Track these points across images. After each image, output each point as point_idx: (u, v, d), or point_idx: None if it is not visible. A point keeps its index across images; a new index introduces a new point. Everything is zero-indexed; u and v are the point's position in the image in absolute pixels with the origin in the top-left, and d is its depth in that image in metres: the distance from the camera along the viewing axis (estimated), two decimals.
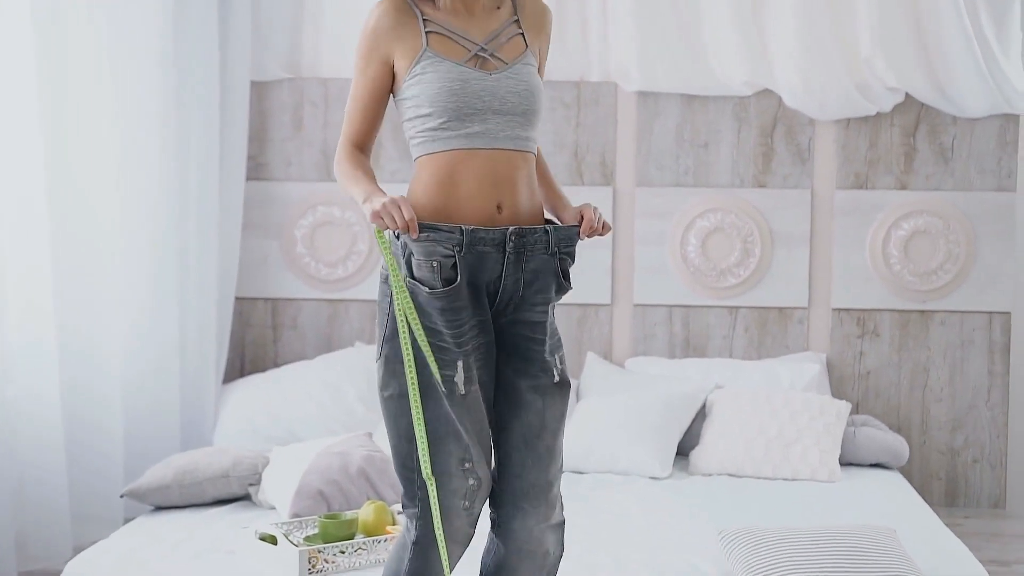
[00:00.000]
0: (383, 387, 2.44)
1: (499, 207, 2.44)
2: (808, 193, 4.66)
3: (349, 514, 3.31)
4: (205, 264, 4.52)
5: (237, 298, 4.83)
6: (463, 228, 2.38)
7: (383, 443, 4.05)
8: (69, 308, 3.90)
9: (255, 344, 4.88)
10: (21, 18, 3.63)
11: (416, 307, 2.38)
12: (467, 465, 2.43)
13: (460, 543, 2.48)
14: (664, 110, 4.71)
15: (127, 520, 4.05)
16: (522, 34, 2.54)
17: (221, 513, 3.61)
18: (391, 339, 2.42)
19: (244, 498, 3.75)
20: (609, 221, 4.68)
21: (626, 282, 4.76)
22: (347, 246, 4.81)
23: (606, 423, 4.22)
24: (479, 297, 2.43)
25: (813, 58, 4.53)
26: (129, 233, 4.18)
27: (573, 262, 2.52)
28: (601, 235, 2.51)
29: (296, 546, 3.09)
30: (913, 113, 4.63)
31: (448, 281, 2.38)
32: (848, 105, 4.58)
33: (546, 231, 2.45)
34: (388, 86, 2.52)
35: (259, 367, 4.87)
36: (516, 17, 2.55)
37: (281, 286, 4.85)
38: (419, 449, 2.35)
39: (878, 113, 4.62)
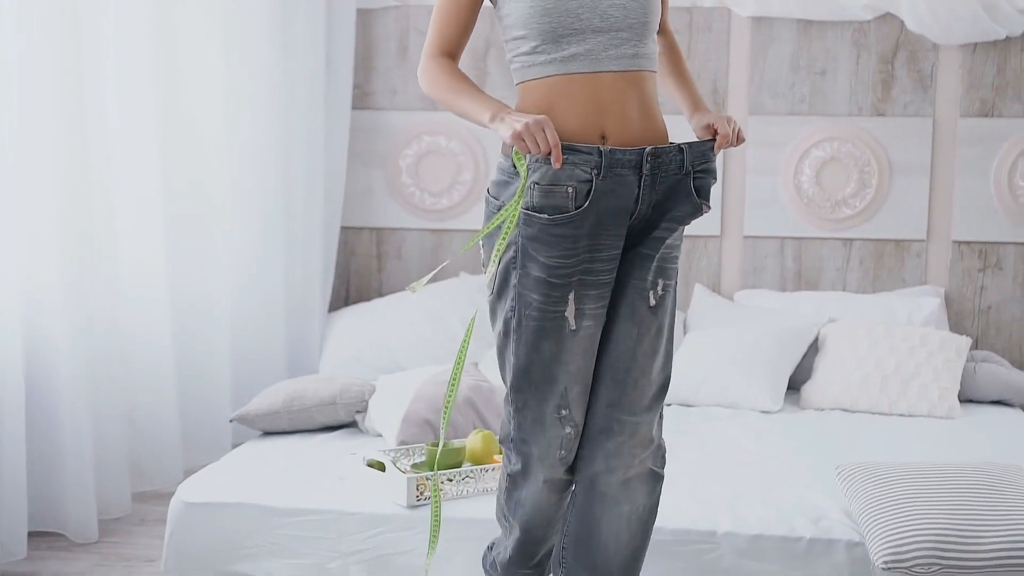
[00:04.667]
0: (493, 323, 2.36)
1: (603, 136, 2.25)
2: (930, 122, 4.48)
3: (456, 442, 3.28)
4: (311, 194, 4.51)
5: (342, 227, 4.82)
6: (602, 149, 2.20)
7: (489, 373, 4.03)
8: (181, 253, 3.94)
9: (360, 273, 4.88)
10: None
11: (530, 239, 2.23)
12: (563, 413, 2.31)
13: (559, 491, 2.44)
14: (779, 36, 4.55)
15: (235, 446, 4.09)
16: None
17: (328, 439, 3.61)
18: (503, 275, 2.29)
19: (351, 425, 3.76)
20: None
21: (736, 213, 4.64)
22: (452, 176, 4.76)
23: (715, 356, 4.14)
24: (611, 226, 2.25)
25: None
26: (237, 165, 4.19)
27: (715, 180, 2.35)
28: (735, 147, 2.32)
29: (404, 473, 3.07)
30: None
31: (578, 206, 2.21)
32: (975, 29, 4.37)
33: (680, 149, 2.28)
34: None
35: (364, 296, 4.87)
36: None
37: (386, 216, 4.83)
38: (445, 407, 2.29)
39: (1007, 37, 4.40)
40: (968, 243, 4.50)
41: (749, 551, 2.84)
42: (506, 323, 2.29)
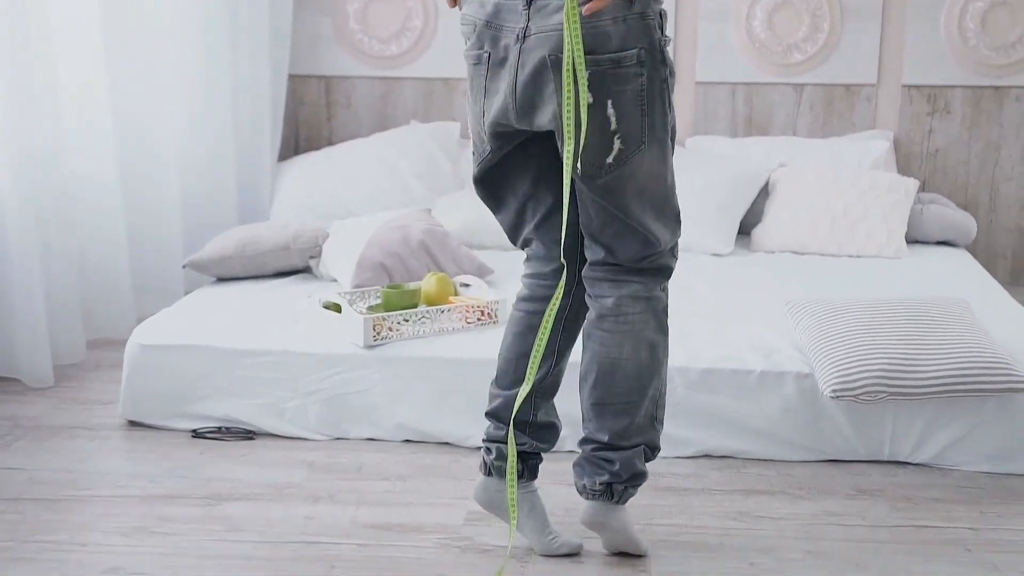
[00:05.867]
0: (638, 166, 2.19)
1: None
2: None
3: (412, 284, 3.29)
4: (257, 41, 4.41)
5: (291, 76, 4.74)
6: None
7: (441, 219, 4.03)
8: (123, 87, 3.84)
9: (309, 123, 4.82)
10: None
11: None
12: None
13: None
14: None
15: (187, 295, 4.07)
16: None
17: (283, 284, 3.61)
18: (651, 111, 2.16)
19: (304, 271, 3.75)
20: None
21: (688, 59, 4.61)
22: (400, 21, 4.68)
23: None
24: None
25: None
26: (179, 9, 4.07)
27: None
28: None
29: (361, 314, 3.08)
30: None
31: None
32: None
33: None
34: None
35: (313, 145, 4.82)
36: None
37: (334, 64, 4.75)
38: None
39: None
40: (917, 87, 4.52)
41: (701, 384, 2.90)
42: (664, 142, 2.21)
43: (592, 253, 2.30)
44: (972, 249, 4.50)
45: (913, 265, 3.90)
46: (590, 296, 2.32)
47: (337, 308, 3.16)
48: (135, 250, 3.96)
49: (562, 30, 2.09)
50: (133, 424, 3.10)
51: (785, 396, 2.87)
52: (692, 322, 3.19)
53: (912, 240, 4.20)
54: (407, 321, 3.10)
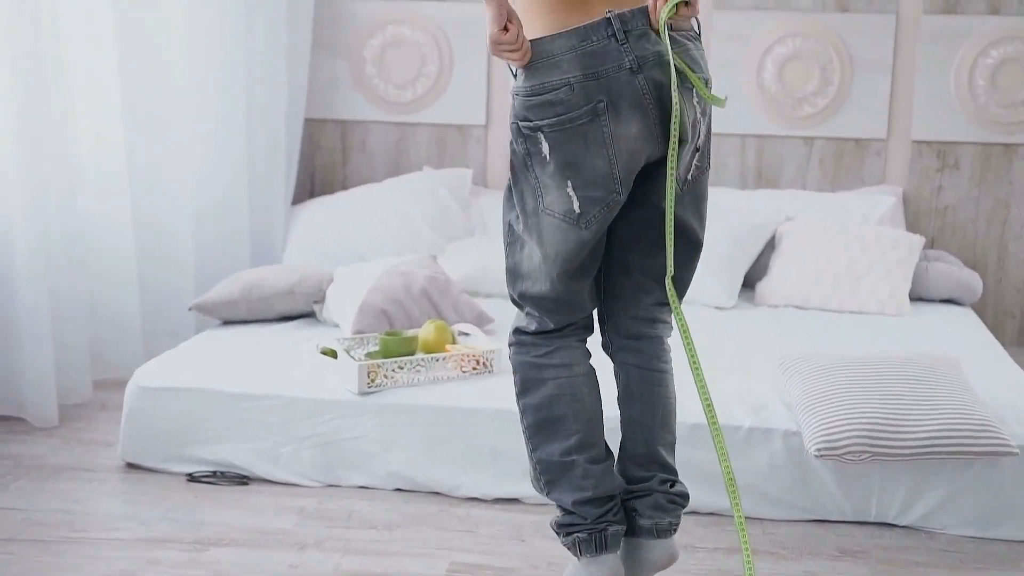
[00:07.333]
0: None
1: None
2: (893, 18, 4.47)
3: (410, 332, 3.33)
4: (274, 84, 4.48)
5: (306, 119, 4.81)
6: None
7: (447, 265, 4.07)
8: (138, 131, 3.92)
9: (324, 167, 4.88)
10: None
11: None
12: None
13: None
14: None
15: None
16: None
17: (286, 329, 3.66)
18: None
19: (309, 315, 3.80)
20: None
21: None
22: (416, 68, 4.74)
23: None
24: None
25: None
26: (196, 54, 4.15)
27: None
28: None
29: (356, 361, 3.12)
30: None
31: None
32: None
33: None
34: None
35: (328, 189, 4.89)
36: None
37: (350, 108, 4.82)
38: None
39: None
40: (927, 142, 4.53)
41: (688, 439, 2.91)
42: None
43: (656, 295, 2.33)
44: (980, 308, 4.49)
45: (915, 324, 3.89)
46: (644, 338, 2.36)
47: (334, 354, 3.21)
48: (146, 293, 4.02)
49: (662, 50, 2.13)
50: (132, 466, 3.15)
51: (772, 453, 2.88)
52: (685, 375, 3.19)
53: (917, 298, 4.19)
54: (402, 368, 3.13)
